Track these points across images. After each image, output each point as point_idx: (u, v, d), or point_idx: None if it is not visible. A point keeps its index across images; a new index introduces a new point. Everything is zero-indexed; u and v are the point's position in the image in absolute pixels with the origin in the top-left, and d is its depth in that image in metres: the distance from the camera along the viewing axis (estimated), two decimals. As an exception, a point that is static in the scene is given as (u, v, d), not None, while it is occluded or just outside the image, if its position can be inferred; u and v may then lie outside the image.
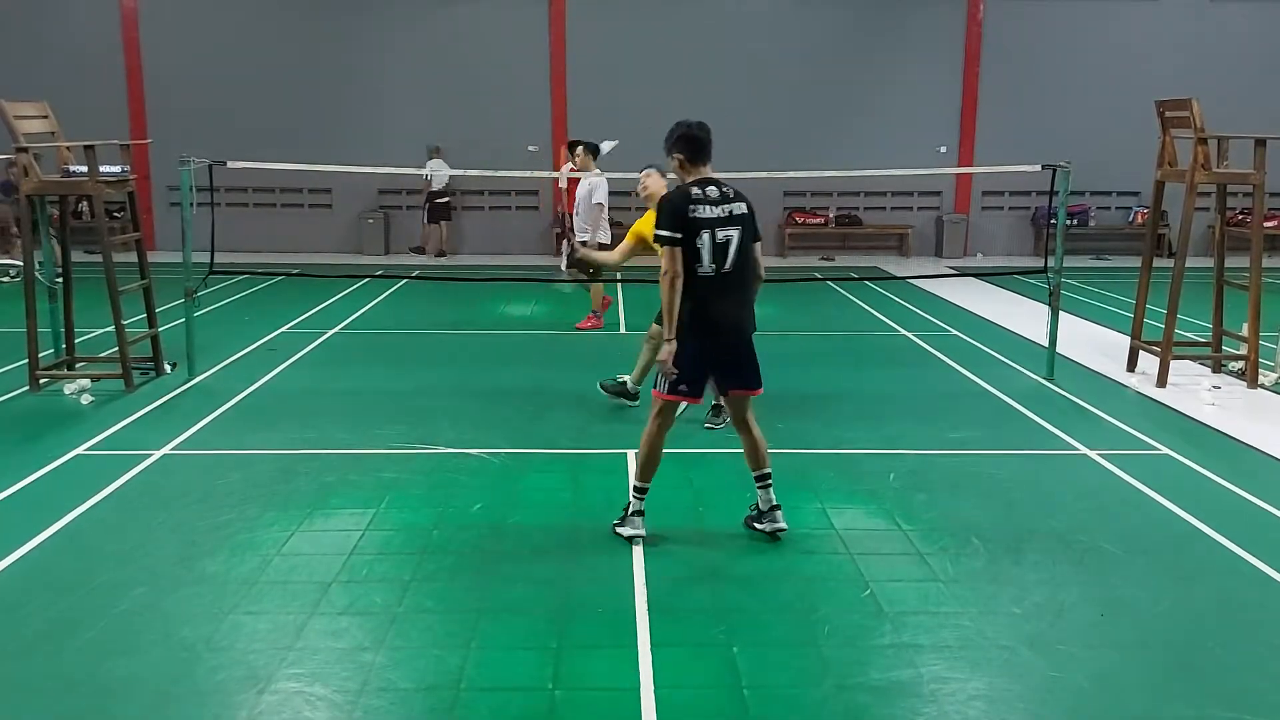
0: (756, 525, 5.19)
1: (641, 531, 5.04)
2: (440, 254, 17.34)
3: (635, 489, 5.09)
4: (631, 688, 3.76)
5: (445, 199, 17.31)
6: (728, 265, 4.87)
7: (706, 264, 4.82)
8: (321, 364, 9.18)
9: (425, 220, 17.38)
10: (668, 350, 4.85)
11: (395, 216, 18.18)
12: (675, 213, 4.83)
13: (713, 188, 4.92)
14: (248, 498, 5.67)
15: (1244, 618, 4.38)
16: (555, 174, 13.43)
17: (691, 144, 4.98)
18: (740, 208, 4.95)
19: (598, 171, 10.54)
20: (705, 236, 4.80)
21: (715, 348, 4.97)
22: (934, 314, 11.92)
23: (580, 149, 10.67)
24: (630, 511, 5.10)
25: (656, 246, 5.67)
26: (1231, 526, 5.35)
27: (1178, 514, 5.57)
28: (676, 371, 4.87)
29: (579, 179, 10.80)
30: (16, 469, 6.05)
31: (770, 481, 5.16)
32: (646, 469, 5.07)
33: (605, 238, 10.71)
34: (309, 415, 7.36)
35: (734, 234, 4.88)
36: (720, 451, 6.58)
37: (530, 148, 17.26)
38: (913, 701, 3.70)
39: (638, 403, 7.35)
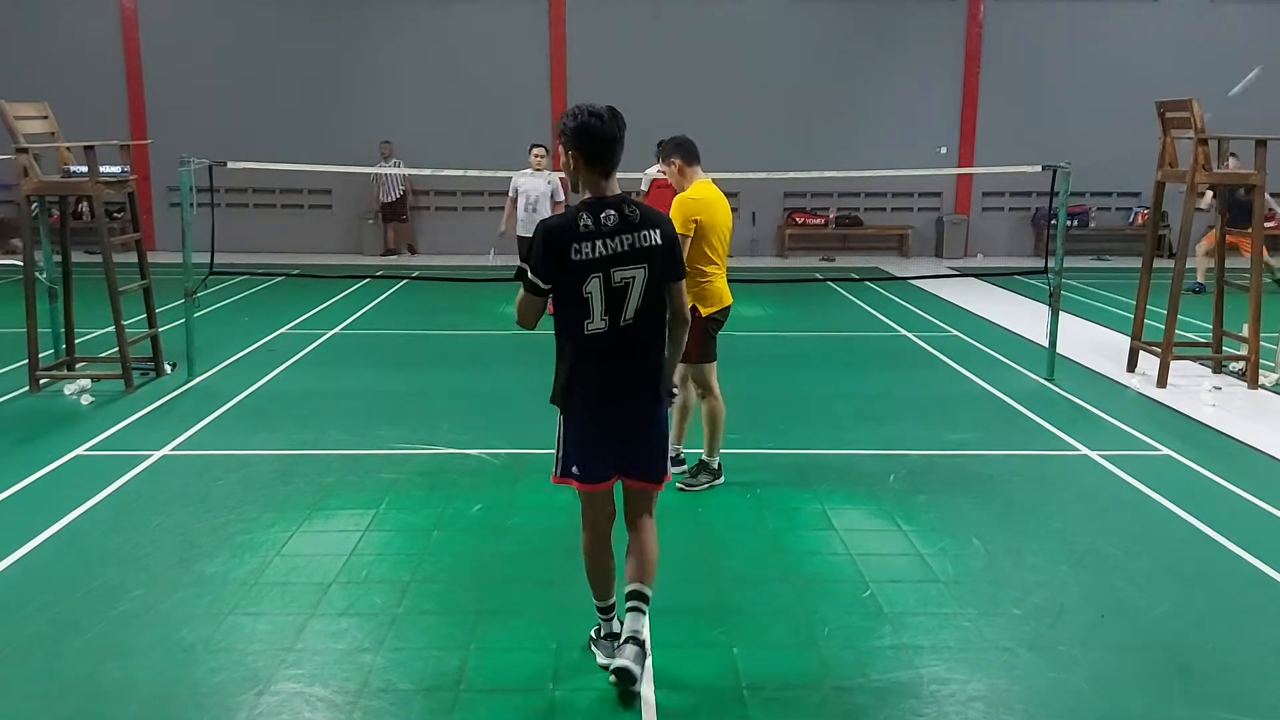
0: (593, 647, 3.98)
1: (623, 663, 3.68)
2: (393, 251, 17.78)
3: (598, 609, 3.97)
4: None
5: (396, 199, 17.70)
6: (627, 316, 3.59)
7: (597, 319, 3.57)
8: (321, 364, 9.18)
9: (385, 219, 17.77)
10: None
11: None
12: (550, 251, 3.52)
13: (611, 211, 3.55)
14: (247, 499, 5.67)
15: (1244, 618, 4.37)
16: (553, 174, 13.47)
17: (587, 139, 3.56)
18: (651, 237, 3.59)
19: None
20: (594, 283, 3.52)
21: (606, 421, 3.72)
22: (934, 314, 11.92)
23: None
24: (600, 635, 3.98)
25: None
26: (1232, 527, 5.34)
27: (1178, 515, 5.57)
28: None
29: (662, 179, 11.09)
30: (16, 469, 6.04)
31: (644, 608, 3.81)
32: (595, 584, 3.91)
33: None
34: (308, 416, 7.36)
35: (637, 274, 3.57)
36: (720, 452, 6.57)
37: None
38: (912, 703, 3.69)
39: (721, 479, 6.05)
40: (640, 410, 3.73)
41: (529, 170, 11.27)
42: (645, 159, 12.07)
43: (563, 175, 3.82)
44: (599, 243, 3.51)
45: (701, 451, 6.00)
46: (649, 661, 3.89)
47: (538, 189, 11.24)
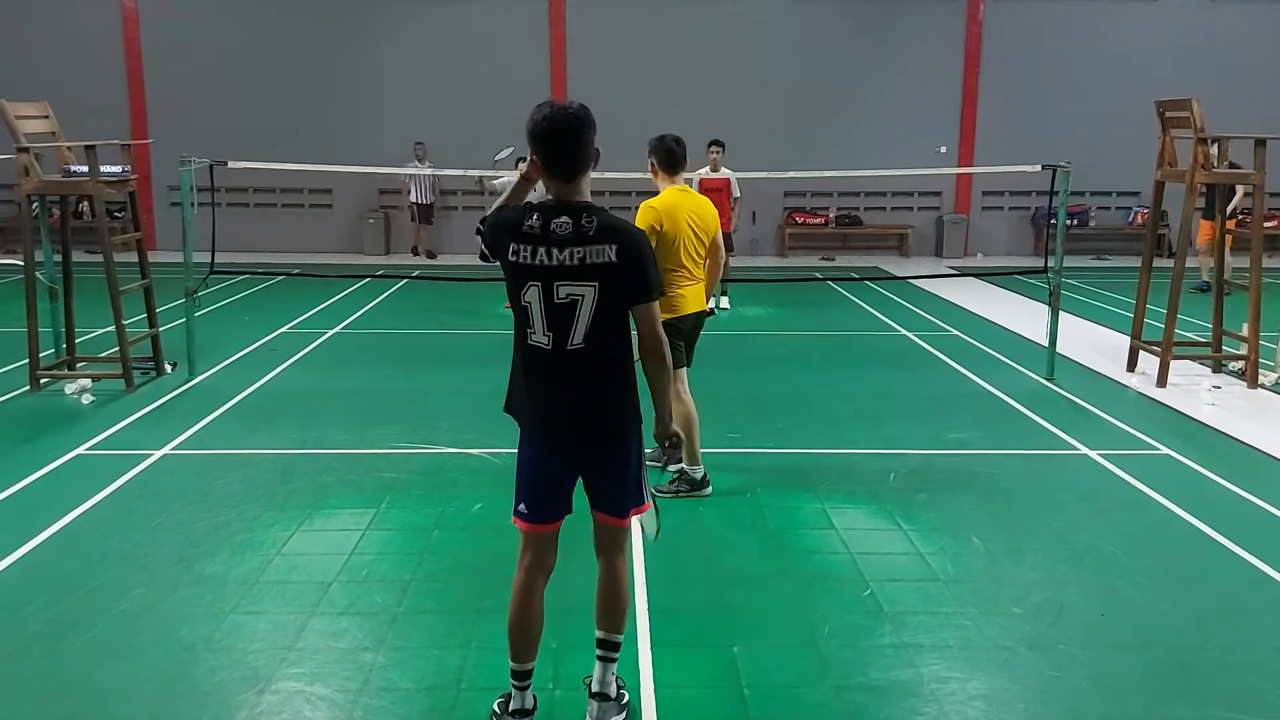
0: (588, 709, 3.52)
1: None
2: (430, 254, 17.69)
3: (512, 673, 3.46)
4: (631, 688, 3.76)
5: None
6: (575, 339, 3.19)
7: (539, 332, 3.22)
8: (321, 364, 9.18)
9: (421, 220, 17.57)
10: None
11: (395, 216, 18.18)
12: (492, 235, 3.28)
13: (565, 219, 3.14)
14: (247, 498, 5.67)
15: (1244, 618, 4.38)
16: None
17: (546, 139, 3.20)
18: (606, 253, 3.13)
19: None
20: (533, 292, 3.17)
21: (558, 453, 3.37)
22: (934, 314, 11.92)
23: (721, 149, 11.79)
24: (506, 709, 3.47)
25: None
26: (1232, 526, 5.35)
27: (1178, 514, 5.57)
28: None
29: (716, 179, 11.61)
30: (16, 469, 6.05)
31: (615, 656, 3.51)
32: (513, 640, 3.42)
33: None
34: (309, 415, 7.36)
35: (585, 292, 3.15)
36: (720, 451, 6.58)
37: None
38: (913, 701, 3.70)
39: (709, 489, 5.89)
40: (588, 441, 3.35)
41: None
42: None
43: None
44: (540, 250, 3.13)
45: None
46: (650, 660, 3.90)
47: (528, 198, 11.36)
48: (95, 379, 8.06)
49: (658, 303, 3.30)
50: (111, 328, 8.19)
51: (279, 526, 5.26)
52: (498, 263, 3.26)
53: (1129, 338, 9.18)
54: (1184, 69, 16.62)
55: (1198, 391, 8.20)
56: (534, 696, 3.51)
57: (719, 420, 7.36)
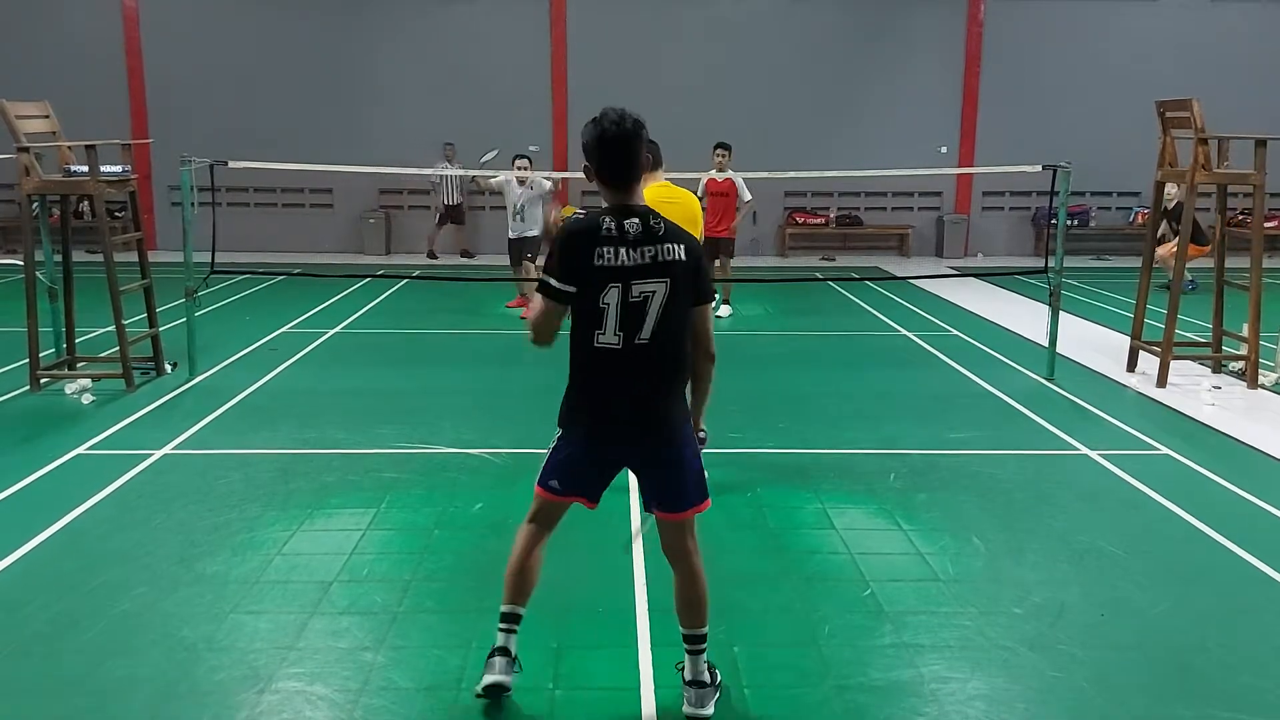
0: (683, 700, 3.60)
1: (501, 678, 3.56)
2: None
3: (501, 616, 3.62)
4: (631, 688, 3.76)
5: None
6: (644, 335, 3.33)
7: (609, 332, 3.32)
8: (322, 364, 9.18)
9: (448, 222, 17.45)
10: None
11: (396, 216, 18.18)
12: (571, 253, 3.32)
13: (634, 220, 3.32)
14: (248, 497, 5.67)
15: (1244, 618, 4.38)
16: (554, 174, 13.60)
17: (605, 150, 3.38)
18: (675, 251, 3.34)
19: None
20: (613, 293, 3.29)
21: (613, 451, 3.52)
22: (934, 314, 11.92)
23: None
24: (494, 648, 3.60)
25: None
26: (1231, 526, 5.35)
27: (1178, 514, 5.57)
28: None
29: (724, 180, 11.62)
30: (16, 469, 6.05)
31: (703, 647, 3.60)
32: (513, 586, 3.62)
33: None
34: (309, 415, 7.36)
35: (658, 289, 3.31)
36: (720, 451, 6.58)
37: (531, 148, 17.21)
38: (913, 701, 3.70)
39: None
40: (650, 439, 3.45)
41: (514, 179, 11.67)
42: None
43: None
44: (622, 250, 3.28)
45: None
46: (650, 660, 3.90)
47: (523, 197, 11.60)
48: (95, 379, 8.06)
49: (710, 306, 3.51)
50: (111, 328, 8.19)
51: (279, 526, 5.27)
52: (572, 290, 3.32)
53: (1129, 338, 9.18)
54: (1184, 69, 16.61)
55: (1198, 392, 8.20)
56: (517, 660, 3.61)
57: (719, 420, 7.34)
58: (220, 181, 11.17)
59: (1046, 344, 8.71)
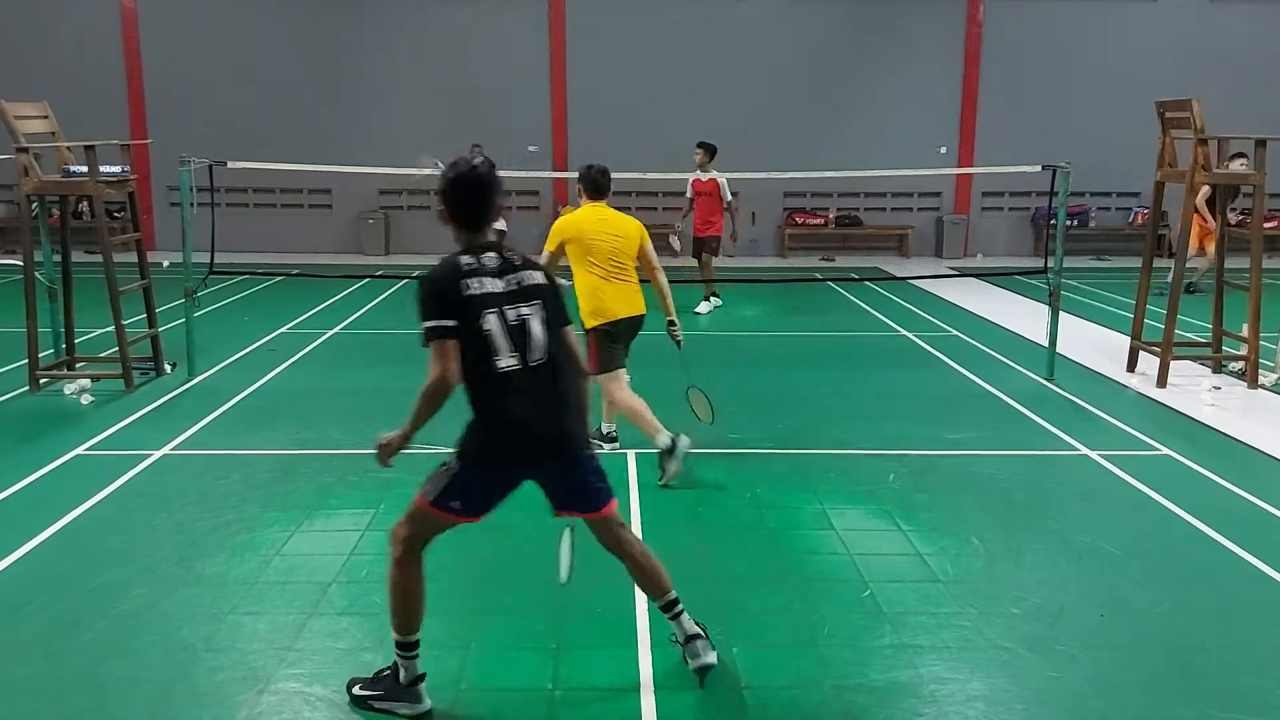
0: (687, 661, 3.79)
1: (707, 660, 3.73)
2: None
3: (410, 645, 3.57)
4: (631, 688, 3.76)
5: None
6: (536, 355, 3.47)
7: (505, 355, 3.42)
8: (321, 364, 9.18)
9: None
10: (389, 445, 3.63)
11: (395, 216, 18.18)
12: (438, 292, 3.42)
13: (491, 254, 3.50)
14: (247, 498, 5.67)
15: (1244, 618, 4.38)
16: (554, 174, 13.65)
17: (460, 194, 3.52)
18: (534, 276, 3.54)
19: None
20: (491, 319, 3.41)
21: (530, 469, 3.60)
22: (934, 314, 11.92)
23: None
24: (400, 679, 3.58)
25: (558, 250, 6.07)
26: (1231, 526, 5.35)
27: (1178, 514, 5.57)
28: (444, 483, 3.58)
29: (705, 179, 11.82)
30: (16, 469, 6.05)
31: (680, 608, 3.81)
32: (403, 615, 3.55)
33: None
34: (309, 415, 7.35)
35: (533, 313, 3.49)
36: (719, 452, 6.58)
37: (530, 148, 17.26)
38: (912, 702, 3.70)
39: (618, 444, 6.59)
40: (567, 451, 3.57)
41: None
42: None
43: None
44: (487, 280, 3.44)
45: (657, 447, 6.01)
46: (650, 660, 3.90)
47: None
48: (95, 379, 8.06)
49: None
50: (111, 328, 8.19)
51: (279, 526, 5.26)
52: (453, 324, 3.40)
53: (1129, 338, 9.17)
54: (1184, 69, 16.61)
55: (1198, 392, 8.19)
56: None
57: (719, 420, 7.36)
58: (219, 182, 11.18)
59: (1046, 344, 8.71)
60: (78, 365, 8.46)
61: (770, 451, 6.68)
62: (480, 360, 3.43)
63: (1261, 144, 8.21)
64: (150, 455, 6.39)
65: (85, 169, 7.86)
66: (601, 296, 6.09)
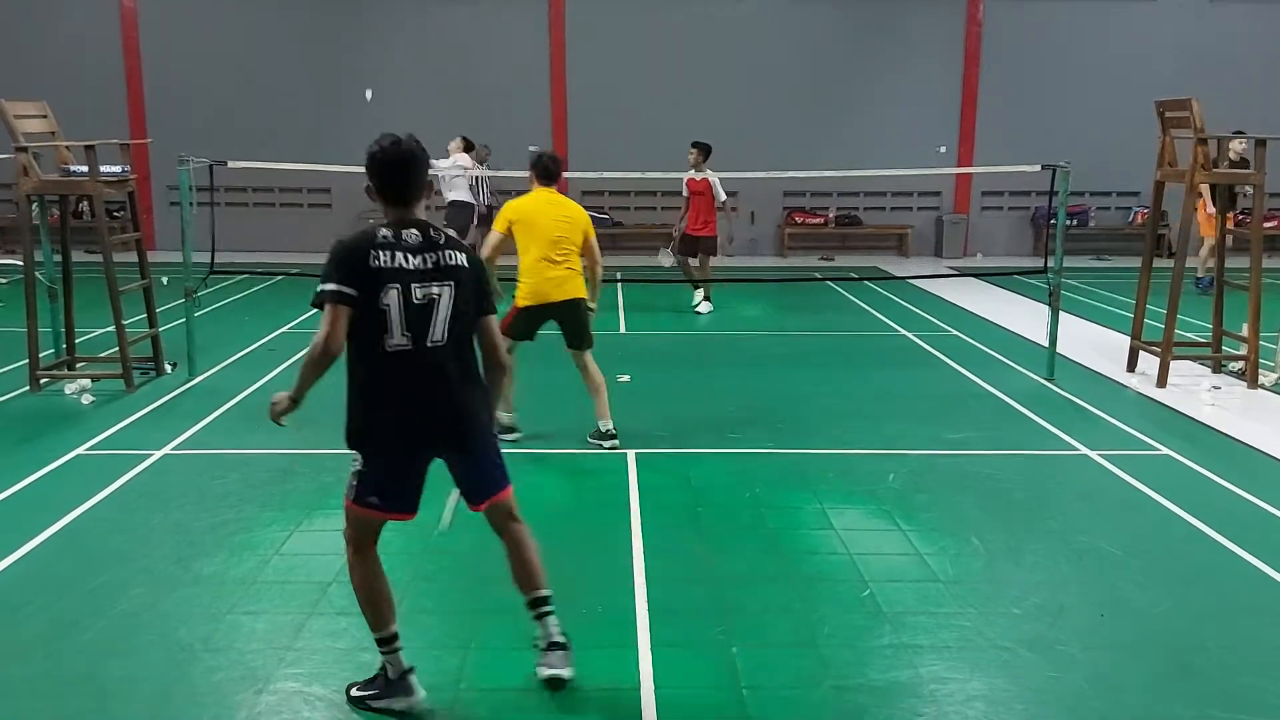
0: (537, 667, 3.76)
1: (555, 672, 3.70)
2: None
3: (386, 640, 3.61)
4: (631, 688, 3.76)
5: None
6: (436, 336, 3.41)
7: (397, 334, 3.38)
8: (321, 364, 9.15)
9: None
10: (278, 405, 3.82)
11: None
12: (345, 259, 3.38)
13: (413, 230, 3.45)
14: (246, 498, 5.67)
15: (1244, 618, 4.38)
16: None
17: (384, 169, 3.48)
18: (456, 257, 3.48)
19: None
20: (392, 294, 3.35)
21: (428, 452, 3.57)
22: (934, 314, 11.91)
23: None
24: (389, 675, 3.60)
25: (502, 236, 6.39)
26: (1231, 526, 5.35)
27: (1178, 514, 5.57)
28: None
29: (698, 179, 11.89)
30: (16, 469, 6.05)
31: (548, 609, 3.74)
32: (372, 613, 3.61)
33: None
34: (308, 415, 7.30)
35: (443, 291, 3.42)
36: (719, 452, 6.58)
37: (531, 148, 17.19)
38: (912, 702, 3.70)
39: (519, 433, 6.84)
40: (462, 432, 3.54)
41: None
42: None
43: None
44: (399, 254, 3.38)
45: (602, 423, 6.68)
46: (650, 660, 3.90)
47: (442, 166, 12.91)
48: (95, 379, 8.06)
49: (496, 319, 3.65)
50: (111, 328, 8.19)
51: (278, 526, 5.26)
52: (353, 292, 3.35)
53: (1129, 338, 9.17)
54: (1184, 69, 16.60)
55: (1198, 392, 8.19)
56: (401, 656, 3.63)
57: (719, 420, 7.37)
58: (219, 181, 11.17)
59: (1046, 344, 8.71)
60: (78, 365, 8.45)
61: (770, 451, 6.68)
62: (371, 336, 3.39)
63: (1261, 144, 8.21)
64: (150, 455, 6.39)
65: (85, 169, 7.86)
66: (538, 278, 6.39)
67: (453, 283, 3.45)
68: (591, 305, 6.67)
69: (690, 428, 7.15)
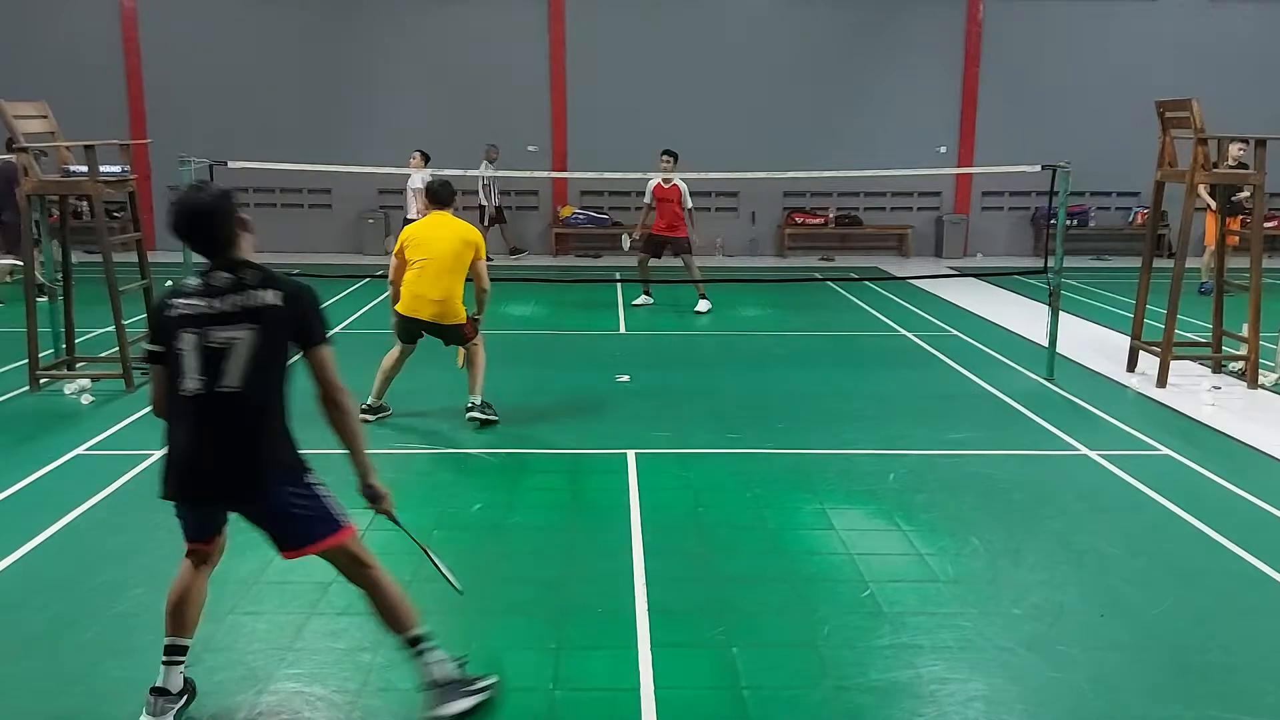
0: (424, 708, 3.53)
1: (483, 682, 3.60)
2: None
3: (165, 649, 3.51)
4: (631, 688, 3.76)
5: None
6: (229, 381, 3.23)
7: (190, 378, 3.24)
8: (321, 364, 9.15)
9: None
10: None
11: (395, 216, 18.14)
12: (151, 316, 3.41)
13: (224, 274, 3.29)
14: (247, 498, 5.66)
15: (1244, 618, 4.38)
16: (553, 174, 13.65)
17: (176, 225, 3.29)
18: (265, 297, 3.27)
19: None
20: (188, 339, 3.24)
21: (203, 504, 3.46)
22: (934, 314, 11.92)
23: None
24: (153, 687, 3.46)
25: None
26: (1231, 527, 5.35)
27: (1178, 514, 5.57)
28: None
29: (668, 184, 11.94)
30: (16, 468, 6.05)
31: (424, 647, 3.52)
32: (175, 618, 3.55)
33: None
34: (307, 415, 7.31)
35: (242, 335, 3.24)
36: (719, 452, 6.58)
37: (530, 148, 17.26)
38: (912, 702, 3.70)
39: (390, 411, 7.41)
40: (238, 490, 3.33)
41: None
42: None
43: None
44: (199, 300, 3.26)
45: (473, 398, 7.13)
46: (650, 660, 3.89)
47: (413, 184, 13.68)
48: (95, 379, 8.06)
49: (331, 351, 3.45)
50: (111, 328, 8.19)
51: (278, 526, 5.25)
52: (159, 349, 3.32)
53: (1129, 338, 9.17)
54: (1184, 69, 16.61)
55: (1198, 392, 8.19)
56: (180, 674, 3.52)
57: (719, 420, 7.37)
58: (219, 181, 11.18)
59: (1046, 344, 8.71)
60: (78, 365, 8.45)
61: (770, 451, 6.68)
62: (172, 381, 3.30)
63: (1261, 144, 8.21)
64: (150, 455, 6.38)
65: (85, 169, 7.86)
66: (407, 292, 7.03)
67: (257, 326, 3.24)
68: (476, 316, 7.27)
69: (690, 428, 7.15)
